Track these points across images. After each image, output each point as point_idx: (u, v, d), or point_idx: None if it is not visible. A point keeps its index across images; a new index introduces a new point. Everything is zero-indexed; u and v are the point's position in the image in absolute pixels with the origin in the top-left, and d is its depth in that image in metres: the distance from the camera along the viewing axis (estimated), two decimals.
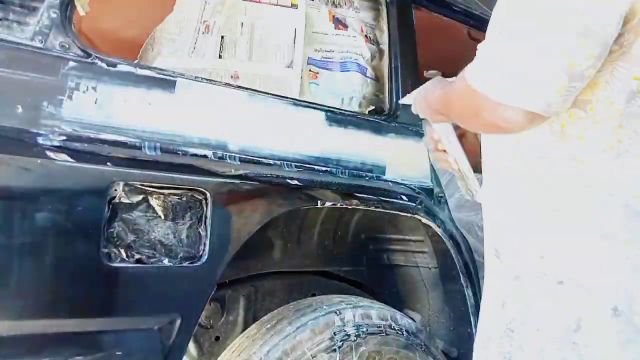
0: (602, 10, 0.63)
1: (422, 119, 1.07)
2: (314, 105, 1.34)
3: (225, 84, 1.21)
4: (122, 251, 0.96)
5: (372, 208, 1.35)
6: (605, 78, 0.71)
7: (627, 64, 0.69)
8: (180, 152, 1.05)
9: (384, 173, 1.40)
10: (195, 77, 1.15)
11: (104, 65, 1.01)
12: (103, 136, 0.96)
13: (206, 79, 1.17)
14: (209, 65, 1.28)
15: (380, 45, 1.65)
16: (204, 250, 1.05)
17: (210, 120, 1.12)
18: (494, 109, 0.70)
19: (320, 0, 1.59)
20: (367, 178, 1.35)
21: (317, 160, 1.26)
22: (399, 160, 1.46)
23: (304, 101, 1.34)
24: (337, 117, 1.35)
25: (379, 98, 1.60)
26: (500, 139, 0.85)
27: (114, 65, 1.02)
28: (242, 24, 1.36)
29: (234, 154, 1.12)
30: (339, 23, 1.57)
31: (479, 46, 0.73)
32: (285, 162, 1.20)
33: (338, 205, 1.27)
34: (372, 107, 1.58)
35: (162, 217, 1.01)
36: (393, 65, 1.58)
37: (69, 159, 0.91)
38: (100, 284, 0.94)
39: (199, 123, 1.10)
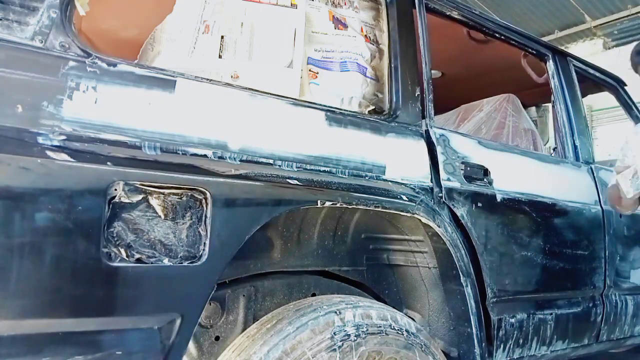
0: None
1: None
2: (314, 105, 1.34)
3: (225, 84, 1.21)
4: (122, 251, 0.96)
5: (372, 208, 1.35)
6: None
7: None
8: (180, 152, 1.05)
9: (384, 173, 1.40)
10: (195, 77, 1.15)
11: (104, 65, 1.01)
12: (103, 136, 0.96)
13: (206, 79, 1.17)
14: (209, 65, 1.28)
15: (380, 45, 1.65)
16: (204, 250, 1.05)
17: (210, 120, 1.12)
18: None
19: (320, 0, 1.59)
20: (367, 178, 1.35)
21: (317, 160, 1.26)
22: (399, 160, 1.46)
23: (304, 101, 1.34)
24: (337, 117, 1.35)
25: (379, 98, 1.60)
26: None
27: (114, 65, 1.02)
28: (242, 24, 1.36)
29: (234, 154, 1.12)
30: (339, 23, 1.57)
31: None
32: (285, 162, 1.20)
33: (338, 205, 1.27)
34: (372, 107, 1.58)
35: (162, 216, 1.01)
36: (393, 65, 1.58)
37: (69, 158, 0.91)
38: (100, 284, 0.94)
39: (199, 123, 1.10)
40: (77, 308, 0.92)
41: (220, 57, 1.31)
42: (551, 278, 1.84)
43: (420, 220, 1.45)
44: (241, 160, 1.12)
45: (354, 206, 1.31)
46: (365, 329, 1.23)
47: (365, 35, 1.63)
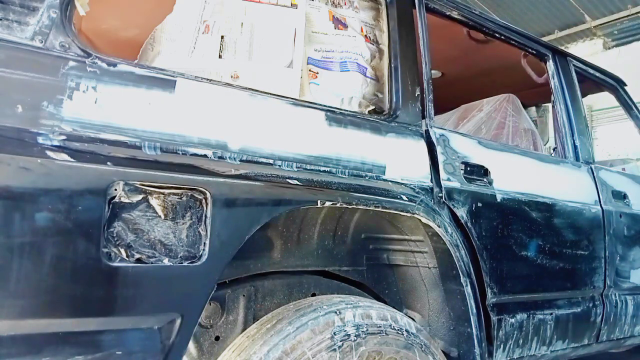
0: None
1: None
2: (314, 105, 1.34)
3: (225, 84, 1.21)
4: (122, 251, 0.96)
5: (372, 208, 1.35)
6: None
7: None
8: (180, 152, 1.05)
9: (384, 173, 1.40)
10: (195, 77, 1.15)
11: (104, 65, 1.01)
12: (103, 136, 0.96)
13: (206, 79, 1.17)
14: (209, 65, 1.28)
15: (380, 45, 1.65)
16: (204, 250, 1.05)
17: (210, 120, 1.12)
18: None
19: (320, 0, 1.59)
20: (367, 178, 1.35)
21: (317, 160, 1.26)
22: (399, 160, 1.46)
23: (304, 101, 1.34)
24: (337, 117, 1.35)
25: (379, 98, 1.60)
26: None
27: (114, 65, 1.02)
28: (242, 24, 1.36)
29: (234, 154, 1.12)
30: (339, 23, 1.57)
31: None
32: (285, 162, 1.20)
33: (338, 205, 1.27)
34: (372, 107, 1.58)
35: (162, 216, 1.01)
36: (393, 65, 1.58)
37: (69, 158, 0.91)
38: (100, 284, 0.94)
39: (199, 123, 1.10)
40: (77, 308, 0.93)
41: (220, 57, 1.31)
42: (551, 278, 1.84)
43: (420, 220, 1.45)
44: (241, 160, 1.12)
45: (354, 206, 1.31)
46: (365, 329, 1.23)
47: (365, 35, 1.63)
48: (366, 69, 1.57)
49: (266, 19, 1.39)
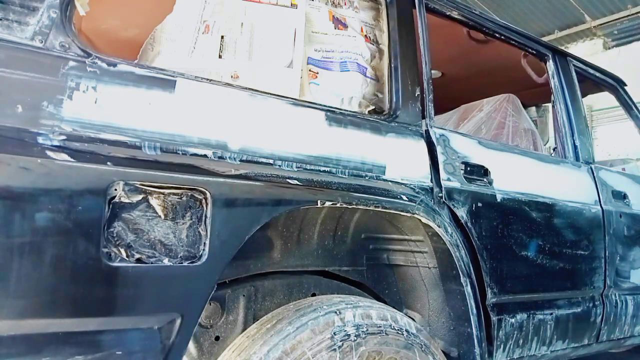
0: None
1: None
2: (314, 105, 1.34)
3: (225, 84, 1.21)
4: (122, 251, 0.96)
5: (372, 208, 1.35)
6: None
7: None
8: (180, 152, 1.05)
9: (384, 173, 1.40)
10: (195, 77, 1.15)
11: (104, 65, 1.01)
12: (103, 136, 0.96)
13: (206, 79, 1.17)
14: (209, 65, 1.28)
15: (380, 45, 1.65)
16: (204, 250, 1.05)
17: (210, 120, 1.12)
18: None
19: (320, 0, 1.59)
20: (367, 178, 1.35)
21: (317, 160, 1.26)
22: (399, 160, 1.46)
23: (304, 101, 1.34)
24: (337, 117, 1.35)
25: (379, 98, 1.60)
26: None
27: (114, 65, 1.02)
28: (242, 24, 1.36)
29: (234, 154, 1.12)
30: (339, 23, 1.57)
31: None
32: (285, 162, 1.20)
33: (338, 205, 1.27)
34: (372, 107, 1.58)
35: (162, 216, 1.01)
36: (393, 65, 1.58)
37: (69, 158, 0.91)
38: (100, 284, 0.94)
39: (199, 123, 1.10)
40: (77, 308, 0.92)
41: (220, 57, 1.31)
42: (551, 278, 1.84)
43: (420, 220, 1.45)
44: (241, 160, 1.12)
45: (354, 206, 1.31)
46: (365, 329, 1.23)
47: (365, 35, 1.63)
48: (366, 69, 1.57)
49: (266, 19, 1.39)
